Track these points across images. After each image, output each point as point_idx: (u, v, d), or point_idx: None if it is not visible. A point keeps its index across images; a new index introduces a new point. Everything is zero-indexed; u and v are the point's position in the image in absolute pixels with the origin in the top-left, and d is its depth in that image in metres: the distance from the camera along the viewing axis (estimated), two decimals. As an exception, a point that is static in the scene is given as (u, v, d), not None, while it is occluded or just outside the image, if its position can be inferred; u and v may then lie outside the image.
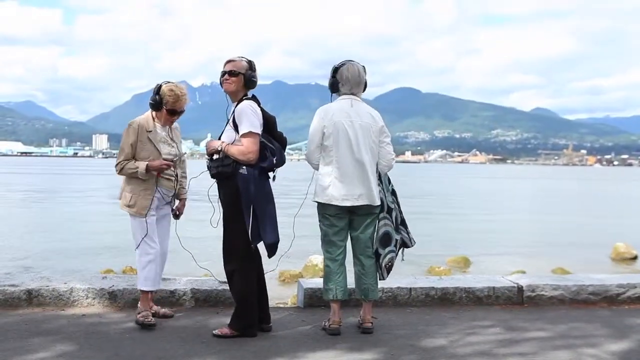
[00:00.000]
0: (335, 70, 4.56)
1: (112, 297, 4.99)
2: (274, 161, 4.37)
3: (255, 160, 4.22)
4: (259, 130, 4.26)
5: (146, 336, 4.25)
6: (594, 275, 6.00)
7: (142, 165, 4.51)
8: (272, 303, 5.11)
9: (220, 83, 4.44)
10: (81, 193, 33.20)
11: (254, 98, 4.46)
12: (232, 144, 4.25)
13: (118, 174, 4.69)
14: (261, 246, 4.36)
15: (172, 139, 4.81)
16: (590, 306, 5.20)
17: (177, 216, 4.94)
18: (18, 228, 17.26)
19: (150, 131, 4.62)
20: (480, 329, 4.52)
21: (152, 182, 4.60)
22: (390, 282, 5.45)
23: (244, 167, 4.19)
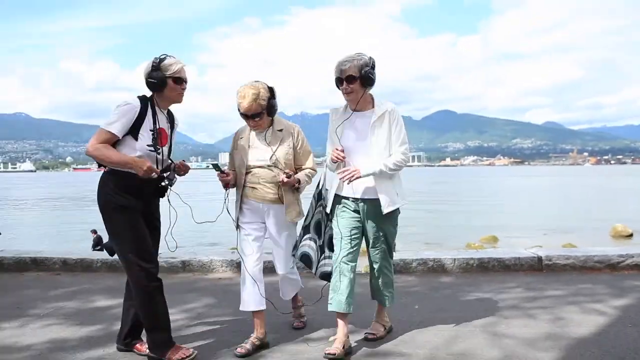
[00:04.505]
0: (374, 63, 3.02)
1: (238, 265, 5.08)
2: None
3: None
4: None
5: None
6: (598, 247, 5.64)
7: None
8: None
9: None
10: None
11: None
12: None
13: None
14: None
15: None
16: (596, 272, 4.88)
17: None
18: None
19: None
20: (508, 289, 4.33)
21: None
22: (439, 253, 5.35)
23: None
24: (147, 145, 2.82)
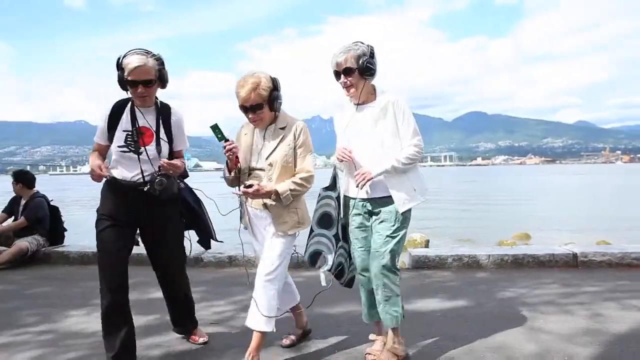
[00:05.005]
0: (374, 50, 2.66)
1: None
2: None
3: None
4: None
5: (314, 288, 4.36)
6: (634, 245, 5.42)
7: None
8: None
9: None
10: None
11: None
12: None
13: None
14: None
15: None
16: (633, 269, 4.69)
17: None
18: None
19: None
20: (544, 285, 4.22)
21: None
22: (473, 250, 5.26)
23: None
24: (118, 147, 2.60)
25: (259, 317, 2.64)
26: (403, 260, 5.79)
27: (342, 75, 2.64)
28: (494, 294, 4.02)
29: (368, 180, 2.62)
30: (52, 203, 6.12)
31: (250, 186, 2.57)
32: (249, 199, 2.75)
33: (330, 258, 2.78)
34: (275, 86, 2.65)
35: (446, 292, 4.09)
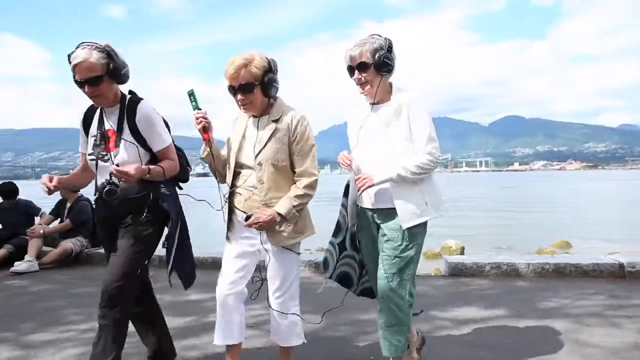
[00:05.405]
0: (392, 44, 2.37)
1: (317, 265, 5.13)
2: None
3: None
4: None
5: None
6: (686, 255, 5.13)
7: None
8: (419, 273, 4.98)
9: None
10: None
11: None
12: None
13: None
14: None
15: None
16: (686, 281, 4.44)
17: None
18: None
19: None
20: (589, 296, 4.04)
21: None
22: (512, 257, 5.11)
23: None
24: (88, 155, 2.40)
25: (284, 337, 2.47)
26: (438, 267, 5.68)
27: (356, 71, 2.37)
28: (535, 303, 3.88)
29: (368, 187, 2.35)
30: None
31: (249, 217, 2.28)
32: (235, 202, 2.38)
33: (331, 266, 2.59)
34: (271, 68, 2.27)
35: (484, 301, 3.98)
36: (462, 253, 7.00)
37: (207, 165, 2.45)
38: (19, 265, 5.50)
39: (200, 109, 2.28)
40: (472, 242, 10.05)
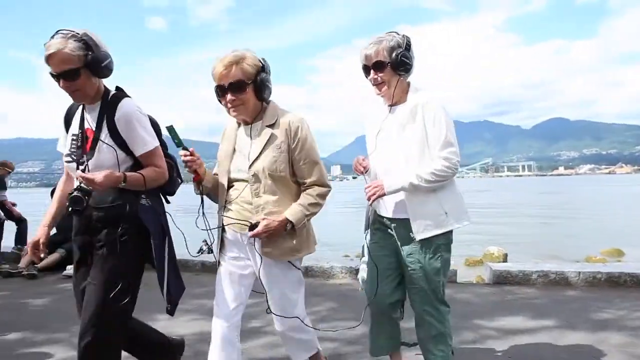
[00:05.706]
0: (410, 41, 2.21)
1: (356, 272, 5.06)
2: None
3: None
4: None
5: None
6: None
7: None
8: (460, 280, 4.91)
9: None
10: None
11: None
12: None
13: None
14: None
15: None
16: None
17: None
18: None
19: None
20: (646, 307, 3.83)
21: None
22: (561, 266, 4.90)
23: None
24: (65, 156, 2.11)
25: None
26: (481, 274, 5.52)
27: (372, 71, 2.22)
28: (587, 314, 3.70)
29: (379, 196, 2.19)
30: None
31: (256, 225, 2.00)
32: (226, 220, 2.11)
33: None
34: (264, 68, 2.05)
35: (532, 310, 3.83)
36: (505, 260, 6.78)
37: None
38: (71, 269, 5.73)
39: (185, 147, 2.02)
40: (515, 249, 9.73)
